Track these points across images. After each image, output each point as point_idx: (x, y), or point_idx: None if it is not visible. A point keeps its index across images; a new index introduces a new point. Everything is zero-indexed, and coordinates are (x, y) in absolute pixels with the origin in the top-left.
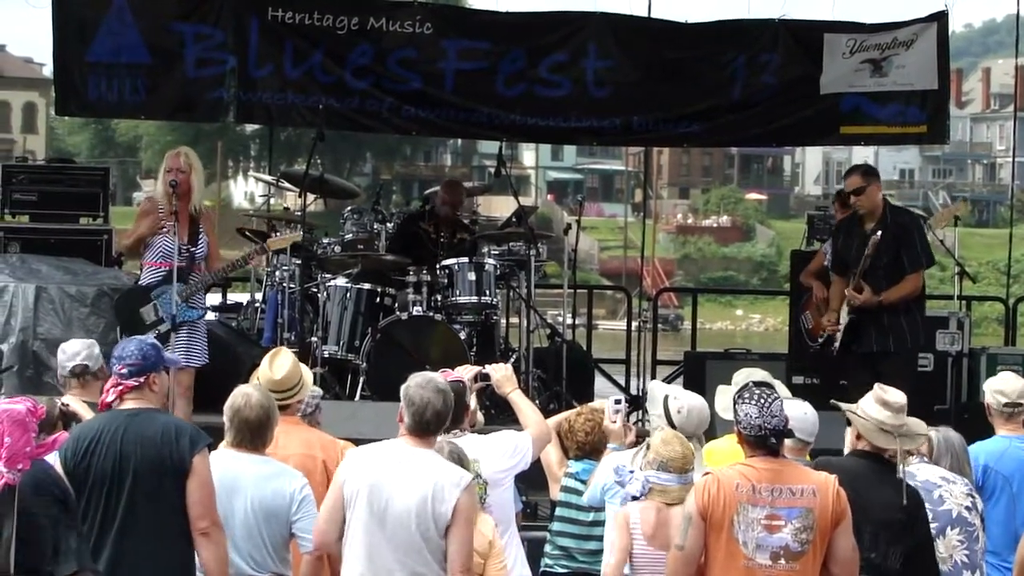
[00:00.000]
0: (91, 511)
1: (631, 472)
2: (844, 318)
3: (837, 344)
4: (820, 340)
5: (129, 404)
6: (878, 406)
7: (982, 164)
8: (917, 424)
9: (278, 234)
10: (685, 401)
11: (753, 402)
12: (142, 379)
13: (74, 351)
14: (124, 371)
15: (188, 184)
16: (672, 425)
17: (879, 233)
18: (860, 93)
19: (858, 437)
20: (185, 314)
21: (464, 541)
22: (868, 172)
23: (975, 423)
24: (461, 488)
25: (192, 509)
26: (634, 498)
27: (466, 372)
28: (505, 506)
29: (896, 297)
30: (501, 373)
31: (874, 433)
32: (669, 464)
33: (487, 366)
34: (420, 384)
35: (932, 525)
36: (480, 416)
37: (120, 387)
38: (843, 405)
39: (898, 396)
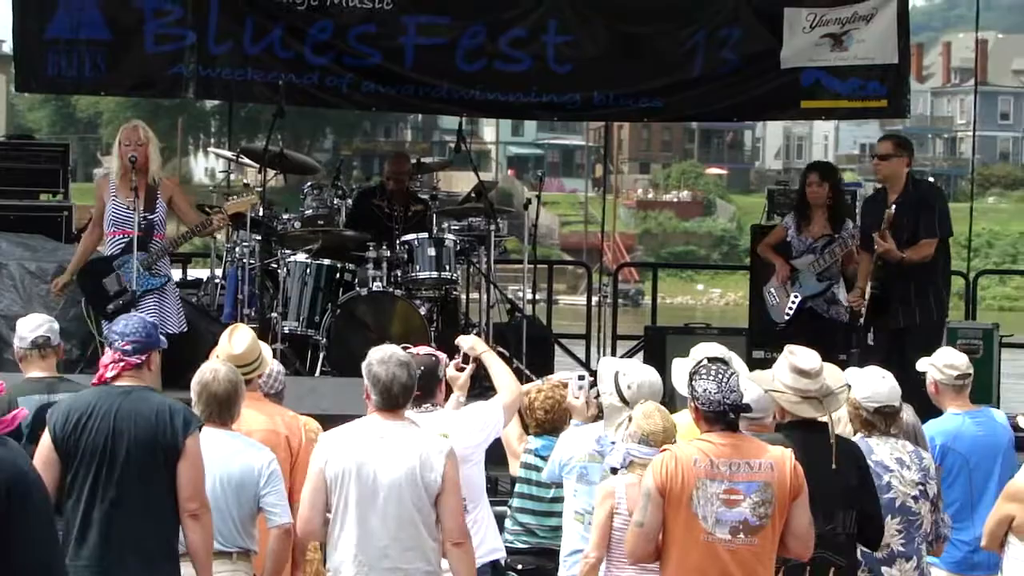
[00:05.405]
0: (78, 485)
1: (612, 443)
2: (868, 291)
3: (862, 320)
4: (788, 316)
5: (124, 381)
6: (794, 375)
7: (943, 138)
8: (834, 376)
9: (234, 198)
10: (635, 377)
11: (711, 378)
12: (144, 357)
13: (36, 323)
14: (128, 348)
15: (146, 156)
16: (624, 401)
17: (894, 207)
18: (820, 67)
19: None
20: (148, 283)
21: (455, 508)
22: (901, 144)
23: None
24: (446, 455)
25: (183, 490)
26: (613, 470)
27: (451, 369)
28: (474, 481)
29: (917, 258)
30: (469, 343)
31: (799, 406)
32: (650, 438)
33: (457, 340)
34: (382, 360)
35: None
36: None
37: (122, 363)
38: (758, 380)
39: (812, 359)
